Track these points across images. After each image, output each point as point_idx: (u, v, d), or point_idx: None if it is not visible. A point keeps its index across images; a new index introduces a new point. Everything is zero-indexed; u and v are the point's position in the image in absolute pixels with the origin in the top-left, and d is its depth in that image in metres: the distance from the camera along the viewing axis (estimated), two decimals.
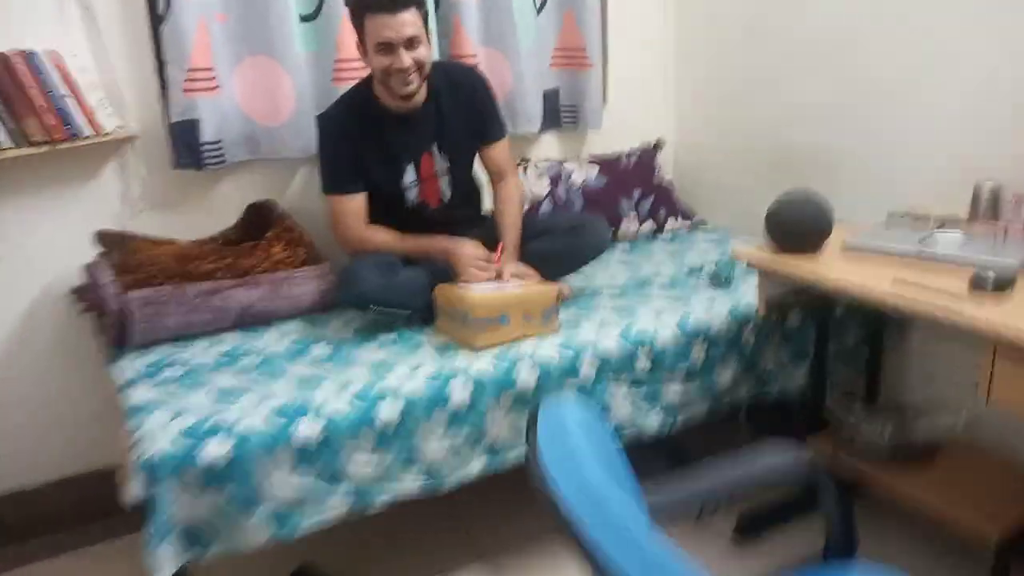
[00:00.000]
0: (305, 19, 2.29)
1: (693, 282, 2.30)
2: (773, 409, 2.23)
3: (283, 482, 1.55)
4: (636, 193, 2.80)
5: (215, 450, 1.50)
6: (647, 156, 2.91)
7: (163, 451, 1.48)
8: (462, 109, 2.15)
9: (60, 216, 2.13)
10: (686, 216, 2.88)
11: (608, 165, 2.81)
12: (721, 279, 2.27)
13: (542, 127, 2.72)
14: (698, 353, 2.00)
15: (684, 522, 2.05)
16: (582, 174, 2.76)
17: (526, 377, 1.79)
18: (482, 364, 1.79)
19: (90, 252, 2.07)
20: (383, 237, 2.10)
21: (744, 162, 2.79)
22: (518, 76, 2.57)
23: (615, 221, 2.74)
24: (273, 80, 2.26)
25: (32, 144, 1.94)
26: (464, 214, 2.28)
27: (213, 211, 2.28)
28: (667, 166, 2.96)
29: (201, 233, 2.24)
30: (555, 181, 2.71)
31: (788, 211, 1.85)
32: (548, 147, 2.84)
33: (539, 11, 2.61)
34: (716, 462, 1.15)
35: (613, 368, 1.89)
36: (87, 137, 2.01)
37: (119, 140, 2.13)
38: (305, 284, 2.12)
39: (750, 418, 2.36)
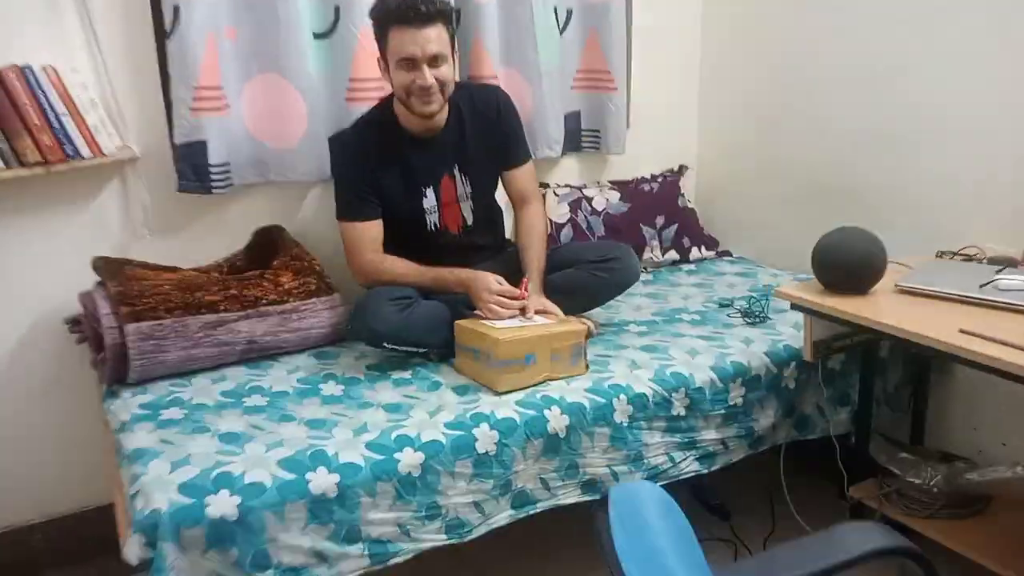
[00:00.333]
0: (319, 36, 2.17)
1: (724, 318, 2.18)
2: (815, 454, 2.09)
3: (294, 542, 1.41)
4: (659, 220, 2.68)
5: (220, 508, 1.36)
6: (670, 182, 2.79)
7: (162, 509, 1.34)
8: (485, 131, 2.04)
9: (56, 241, 2.00)
10: (710, 245, 2.76)
11: (630, 191, 2.70)
12: (755, 315, 2.14)
13: (563, 151, 2.60)
14: (736, 397, 1.87)
15: None
16: (603, 200, 2.64)
17: (555, 424, 1.66)
18: (507, 410, 1.66)
19: (88, 279, 1.94)
20: (400, 268, 1.98)
21: (772, 191, 2.67)
22: (539, 98, 2.46)
23: (637, 249, 2.61)
24: (284, 100, 2.14)
25: (26, 165, 1.82)
26: (486, 241, 2.16)
27: (218, 237, 2.16)
28: (689, 193, 2.84)
29: (205, 259, 2.11)
30: (575, 207, 2.60)
31: (839, 248, 1.72)
32: (567, 172, 2.72)
33: (562, 30, 2.50)
34: (794, 547, 1.02)
35: (647, 414, 1.76)
36: (86, 158, 1.88)
37: (120, 161, 2.01)
38: (314, 316, 1.99)
39: (791, 466, 2.22)
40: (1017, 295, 1.59)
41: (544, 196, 2.53)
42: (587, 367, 1.83)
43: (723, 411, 1.86)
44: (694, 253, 2.71)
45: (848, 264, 1.72)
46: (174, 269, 2.01)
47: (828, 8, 2.38)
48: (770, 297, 2.26)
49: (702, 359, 1.89)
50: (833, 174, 2.45)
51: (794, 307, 1.80)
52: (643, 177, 2.78)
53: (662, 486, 1.74)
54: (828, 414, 2.03)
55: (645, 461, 1.77)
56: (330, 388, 1.80)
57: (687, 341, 2.00)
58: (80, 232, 2.03)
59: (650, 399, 1.76)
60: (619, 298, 2.13)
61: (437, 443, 1.55)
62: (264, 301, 1.93)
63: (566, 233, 2.54)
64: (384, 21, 1.84)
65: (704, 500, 2.22)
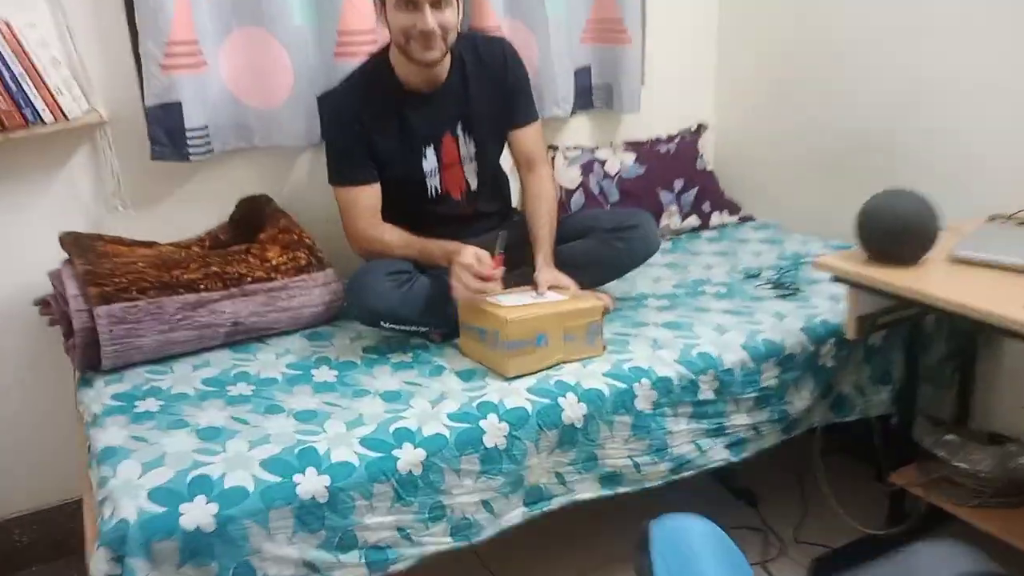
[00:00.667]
0: None
1: (752, 289, 2.00)
2: (849, 434, 1.92)
3: (281, 553, 1.25)
4: (678, 184, 2.49)
5: (195, 517, 1.20)
6: (688, 142, 2.59)
7: (131, 519, 1.18)
8: (491, 86, 1.85)
9: (22, 215, 1.83)
10: (732, 210, 2.57)
11: (646, 152, 2.50)
12: (786, 287, 1.96)
13: (572, 110, 2.40)
14: (769, 378, 1.70)
15: None
16: (616, 162, 2.45)
17: (571, 413, 1.49)
18: (517, 398, 1.49)
19: (58, 256, 1.77)
20: (388, 238, 1.81)
21: (797, 151, 2.47)
22: (545, 51, 2.25)
23: (655, 215, 2.41)
24: (267, 56, 1.95)
25: None
26: (491, 207, 1.98)
27: (199, 208, 1.98)
28: (708, 154, 2.64)
29: (185, 233, 1.94)
30: (587, 170, 2.40)
31: (888, 213, 1.54)
32: (577, 132, 2.52)
33: None
34: (874, 571, 0.86)
35: (672, 399, 1.60)
36: (48, 124, 1.70)
37: (88, 126, 1.82)
38: (305, 294, 1.82)
39: (823, 446, 2.07)
40: None
41: (552, 159, 2.33)
42: (604, 347, 1.66)
43: (755, 394, 1.69)
44: (715, 219, 2.52)
45: (898, 231, 1.54)
46: (150, 244, 1.84)
47: None
48: (801, 266, 2.08)
49: (731, 337, 1.72)
50: (865, 132, 2.24)
51: (835, 279, 1.62)
52: (659, 137, 2.57)
53: (688, 476, 1.63)
54: (868, 393, 1.86)
55: (670, 451, 1.61)
56: (323, 374, 1.63)
57: (713, 317, 1.83)
58: (48, 205, 1.85)
59: (675, 383, 1.59)
60: (636, 269, 1.95)
61: (440, 437, 1.39)
62: (249, 279, 1.76)
63: (577, 199, 2.36)
64: None
65: (728, 483, 2.07)
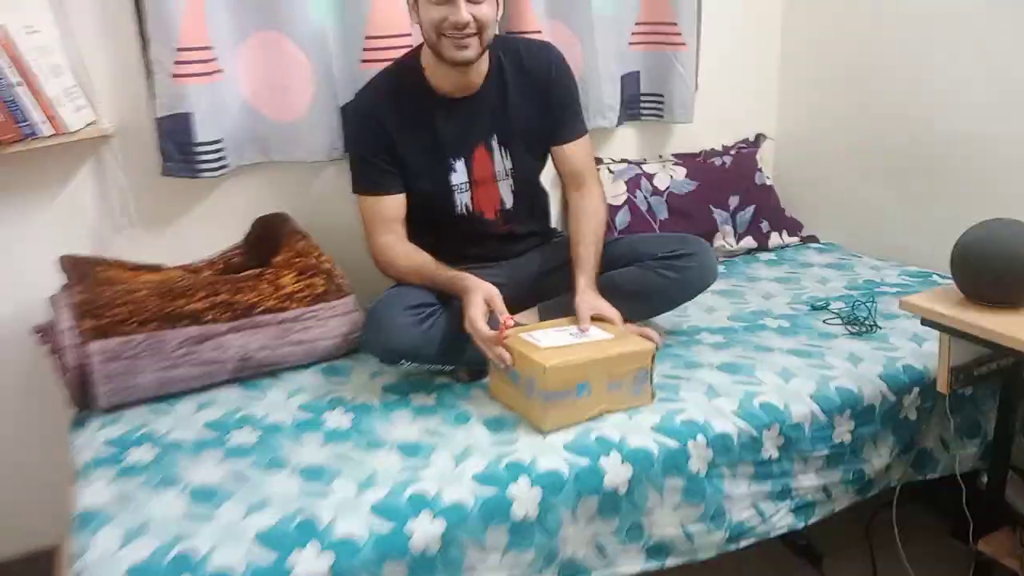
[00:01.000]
0: None
1: (820, 324, 1.78)
2: (930, 495, 1.69)
3: None
4: (733, 201, 2.27)
5: None
6: (745, 155, 2.37)
7: None
8: (533, 96, 1.66)
9: (23, 235, 1.70)
10: (793, 230, 2.34)
11: (697, 166, 2.29)
12: (861, 324, 1.73)
13: (619, 120, 2.20)
14: (843, 433, 1.49)
15: None
16: (666, 177, 2.24)
17: (614, 477, 1.30)
18: (552, 458, 1.30)
19: (59, 279, 1.64)
20: (405, 264, 1.63)
21: (866, 162, 2.24)
22: (591, 56, 2.06)
23: (707, 235, 2.22)
24: (286, 63, 1.79)
25: None
26: (528, 227, 1.79)
27: (212, 227, 1.83)
28: (767, 168, 2.42)
29: (197, 255, 1.79)
30: (633, 186, 2.20)
31: (992, 248, 1.31)
32: (624, 144, 2.32)
33: None
34: None
35: (731, 458, 1.39)
36: (46, 137, 1.57)
37: (92, 140, 1.68)
38: (321, 325, 1.66)
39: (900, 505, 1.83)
40: None
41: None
42: (653, 396, 1.46)
43: (826, 451, 1.48)
44: (774, 239, 2.30)
45: (1004, 270, 1.30)
46: (157, 268, 1.70)
47: None
48: (876, 298, 1.85)
49: (799, 384, 1.51)
50: (951, 143, 2.00)
51: (925, 323, 1.40)
52: (713, 149, 2.37)
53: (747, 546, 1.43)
54: (953, 448, 1.63)
55: (727, 518, 1.40)
56: (336, 419, 1.46)
57: (777, 358, 1.62)
58: (50, 224, 1.72)
59: (735, 440, 1.39)
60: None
61: (462, 508, 1.20)
62: (261, 308, 1.60)
63: (622, 217, 2.16)
64: None
65: (788, 539, 1.85)
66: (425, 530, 1.17)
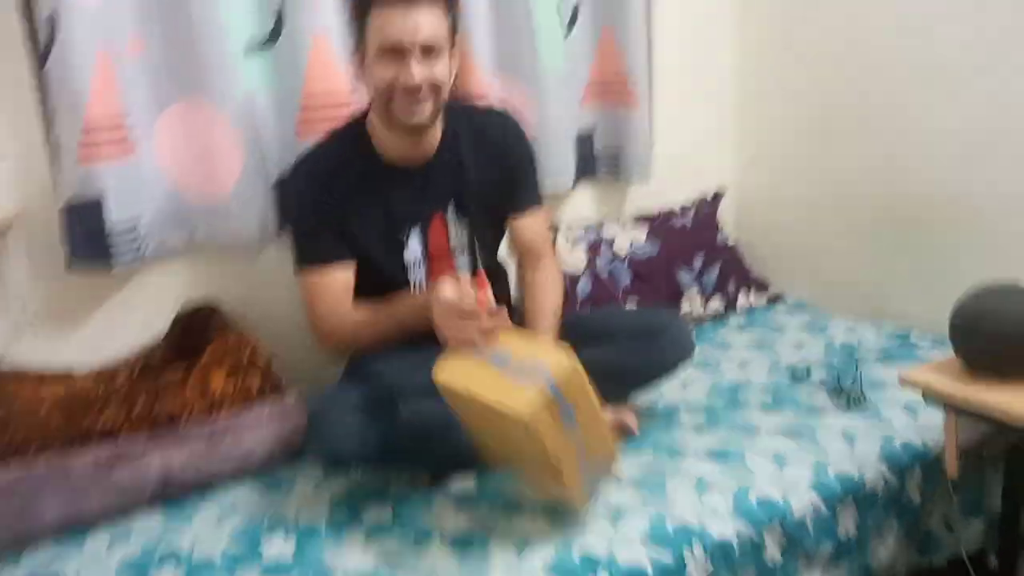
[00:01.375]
0: (256, 47, 1.65)
1: (804, 396, 1.65)
2: None
3: None
4: (697, 261, 2.16)
5: None
6: (706, 211, 2.28)
7: None
8: (490, 164, 1.53)
9: None
10: (760, 288, 2.24)
11: (659, 225, 2.18)
12: (848, 395, 1.62)
13: (574, 181, 2.08)
14: (847, 524, 1.35)
15: None
16: (626, 241, 2.12)
17: None
18: None
19: None
20: (358, 318, 1.48)
21: (832, 216, 2.16)
22: (543, 115, 1.94)
23: (674, 298, 2.11)
24: (212, 133, 1.62)
25: None
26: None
27: (128, 324, 1.62)
28: (727, 225, 2.33)
29: (112, 355, 1.58)
30: (593, 251, 2.07)
31: (997, 316, 1.21)
32: (580, 206, 2.20)
33: (569, 27, 1.98)
34: None
35: (731, 565, 1.23)
36: None
37: None
38: (256, 432, 1.46)
39: None
40: None
41: (553, 241, 2.00)
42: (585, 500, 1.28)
43: (831, 547, 1.33)
44: (741, 300, 2.19)
45: (1004, 337, 1.20)
46: (65, 377, 1.48)
47: None
48: (858, 363, 1.74)
49: (795, 471, 1.37)
50: (917, 198, 1.95)
51: (928, 399, 1.28)
52: (672, 210, 2.26)
53: None
54: (957, 527, 1.51)
55: None
56: (276, 547, 1.26)
57: (766, 440, 1.48)
58: None
59: (735, 546, 1.23)
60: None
61: None
62: (185, 419, 1.40)
63: (584, 286, 2.02)
64: (365, 4, 1.37)
65: None
66: None
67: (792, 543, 1.29)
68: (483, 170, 1.52)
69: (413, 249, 1.51)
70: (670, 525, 1.24)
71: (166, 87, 1.59)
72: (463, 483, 1.40)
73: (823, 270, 2.21)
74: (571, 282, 1.99)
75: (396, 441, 1.35)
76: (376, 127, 1.47)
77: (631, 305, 2.03)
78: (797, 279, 2.25)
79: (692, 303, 2.12)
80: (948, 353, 1.73)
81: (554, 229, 2.05)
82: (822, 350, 1.88)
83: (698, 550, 1.20)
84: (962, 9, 1.78)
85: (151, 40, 1.57)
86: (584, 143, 2.10)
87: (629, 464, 1.40)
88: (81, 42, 1.44)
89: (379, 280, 1.51)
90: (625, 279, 2.07)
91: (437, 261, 1.54)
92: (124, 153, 1.53)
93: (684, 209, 2.26)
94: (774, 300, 2.22)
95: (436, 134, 1.49)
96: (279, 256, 1.68)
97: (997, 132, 1.76)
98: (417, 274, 1.53)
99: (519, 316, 1.62)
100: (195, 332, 1.59)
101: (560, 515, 1.26)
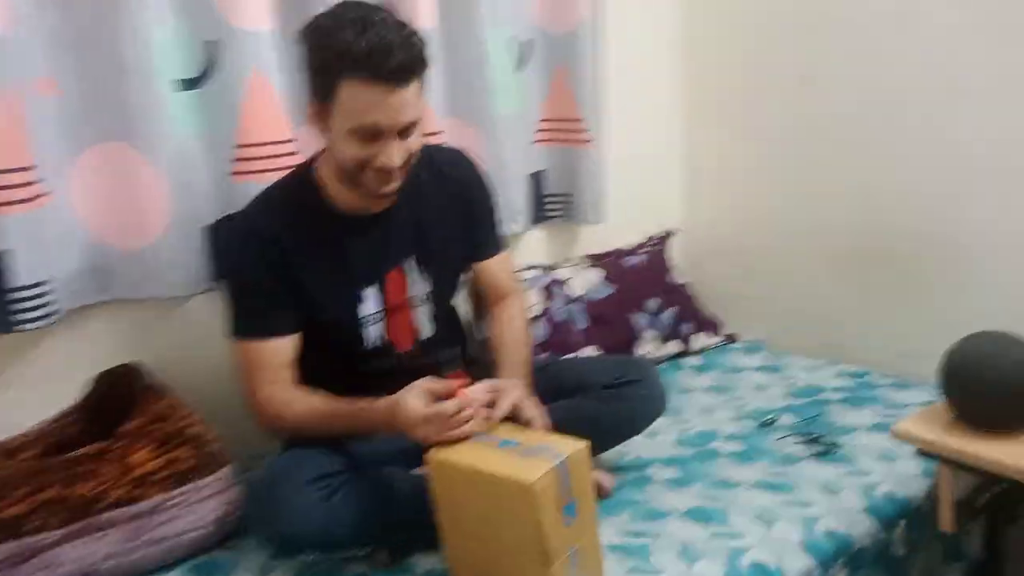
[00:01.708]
0: (185, 86, 1.50)
1: (774, 444, 1.60)
2: None
3: None
4: (652, 304, 2.10)
5: None
6: (657, 252, 2.23)
7: None
8: (451, 208, 1.42)
9: None
10: (713, 328, 2.19)
11: (612, 268, 2.11)
12: (819, 441, 1.56)
13: (528, 224, 2.00)
14: None
15: None
16: (581, 282, 2.05)
17: None
18: None
19: None
20: (302, 409, 1.31)
21: (786, 255, 2.16)
22: (496, 156, 1.85)
23: (630, 341, 2.04)
24: (135, 179, 1.46)
25: None
26: (447, 357, 1.51)
27: (37, 392, 1.42)
28: (678, 265, 2.28)
29: (18, 426, 1.37)
30: (548, 294, 1.99)
31: (986, 367, 1.17)
32: (531, 249, 2.11)
33: (519, 66, 1.91)
34: None
35: None
36: None
37: None
38: (189, 513, 1.29)
39: None
40: None
41: None
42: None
43: None
44: (696, 341, 2.14)
45: (998, 388, 1.16)
46: None
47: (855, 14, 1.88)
48: (824, 407, 1.70)
49: (784, 531, 1.30)
50: (869, 233, 1.95)
51: (922, 453, 1.23)
52: (623, 249, 2.20)
53: None
54: (937, 575, 1.46)
55: None
56: None
57: (746, 495, 1.41)
58: None
59: None
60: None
61: None
62: (105, 502, 1.22)
63: (540, 330, 1.93)
64: (337, 66, 1.17)
65: None
66: None
67: None
68: (446, 214, 1.42)
69: (368, 304, 1.38)
70: None
71: (83, 129, 1.43)
72: (429, 561, 1.26)
73: (774, 309, 2.19)
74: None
75: (354, 517, 1.21)
76: (328, 179, 1.32)
77: (589, 349, 1.95)
78: (748, 318, 2.22)
79: (649, 345, 2.06)
80: (913, 395, 1.74)
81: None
82: (784, 393, 1.84)
83: None
84: (918, 40, 1.78)
85: (66, 77, 1.40)
86: (536, 183, 2.03)
87: (606, 528, 1.30)
88: None
89: (331, 337, 1.38)
90: (581, 322, 1.99)
91: (395, 315, 1.41)
92: (32, 203, 1.35)
93: (636, 248, 2.21)
94: (728, 340, 2.18)
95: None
96: (211, 309, 1.53)
97: (961, 171, 1.77)
98: (374, 330, 1.40)
99: (483, 365, 1.51)
100: (115, 400, 1.41)
101: None
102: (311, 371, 1.39)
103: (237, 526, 1.33)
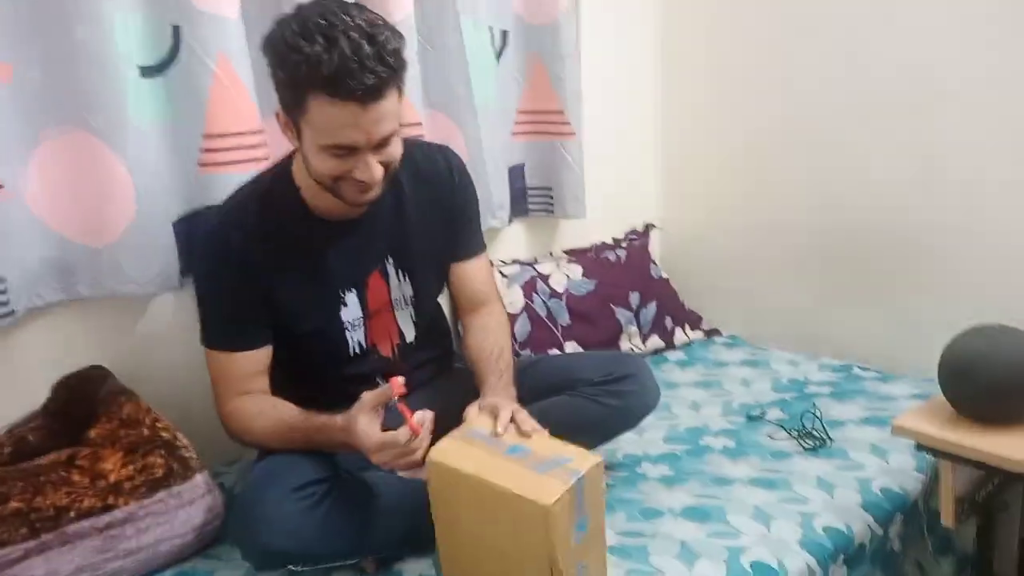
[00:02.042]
0: (149, 72, 1.42)
1: (765, 439, 1.58)
2: None
3: None
4: (634, 299, 2.07)
5: None
6: (637, 247, 2.20)
7: None
8: (432, 208, 1.35)
9: None
10: (695, 324, 2.17)
11: (592, 263, 2.08)
12: (813, 437, 1.55)
13: (509, 219, 1.95)
14: None
15: None
16: (562, 277, 2.01)
17: None
18: None
19: None
20: (261, 427, 1.24)
21: (762, 251, 2.14)
22: (475, 150, 1.80)
23: (614, 336, 2.01)
24: (98, 170, 1.37)
25: None
26: (427, 356, 1.45)
27: None
28: (658, 259, 2.26)
29: None
30: (529, 290, 1.95)
31: (986, 360, 1.15)
32: (512, 244, 2.07)
33: (498, 56, 1.86)
34: None
35: None
36: None
37: None
38: (164, 522, 1.22)
39: None
40: None
41: None
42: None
43: None
44: (679, 336, 2.12)
45: (999, 381, 1.15)
46: None
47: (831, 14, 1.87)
48: (813, 401, 1.68)
49: (783, 529, 1.27)
50: (847, 227, 1.95)
51: (921, 448, 1.21)
52: (604, 243, 2.17)
53: None
54: (928, 568, 1.46)
55: None
56: None
57: (742, 492, 1.38)
58: None
59: None
60: None
61: None
62: (73, 513, 1.14)
63: (522, 327, 1.89)
64: (306, 82, 1.08)
65: None
66: None
67: None
68: (426, 213, 1.35)
69: (351, 308, 1.31)
70: None
71: (40, 119, 1.34)
72: (418, 567, 1.21)
73: (753, 303, 2.17)
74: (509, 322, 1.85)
75: (342, 528, 1.15)
76: (305, 181, 1.24)
77: (571, 345, 1.92)
78: (728, 313, 2.20)
79: (632, 341, 2.03)
80: (899, 388, 1.73)
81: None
82: (770, 386, 1.83)
83: None
84: (895, 39, 1.78)
85: (22, 65, 1.31)
86: (515, 177, 1.98)
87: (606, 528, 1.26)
88: None
89: (313, 345, 1.31)
90: (564, 318, 1.95)
91: (377, 318, 1.35)
92: None
93: (616, 243, 2.18)
94: (710, 335, 2.16)
95: None
96: (179, 308, 1.45)
97: (933, 166, 1.77)
98: (355, 334, 1.34)
99: (463, 366, 1.46)
100: (79, 404, 1.33)
101: None
102: (291, 377, 1.33)
103: (217, 534, 1.27)
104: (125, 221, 1.40)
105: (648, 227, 2.27)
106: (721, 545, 1.23)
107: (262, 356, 1.28)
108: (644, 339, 2.05)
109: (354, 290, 1.30)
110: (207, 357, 1.27)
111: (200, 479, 1.27)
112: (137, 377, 1.39)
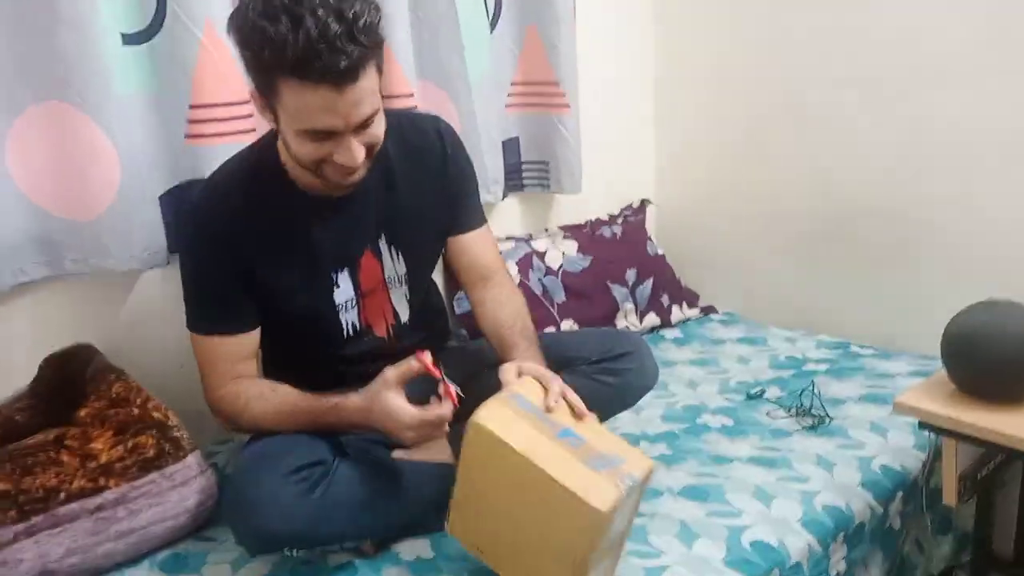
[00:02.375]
0: (132, 40, 1.37)
1: (764, 417, 1.56)
2: None
3: None
4: (630, 276, 2.05)
5: None
6: (633, 223, 2.17)
7: None
8: (424, 181, 1.31)
9: None
10: (692, 302, 2.15)
11: (588, 239, 2.05)
12: (813, 416, 1.53)
13: (503, 194, 1.92)
14: (838, 561, 1.26)
15: None
16: (557, 254, 1.98)
17: None
18: None
19: None
20: (263, 406, 1.21)
21: (759, 227, 2.12)
22: (468, 122, 1.76)
23: (610, 313, 1.99)
24: (80, 143, 1.33)
25: None
26: (424, 338, 1.42)
27: None
28: (654, 236, 2.23)
29: None
30: (525, 267, 1.92)
31: (989, 335, 1.14)
32: (506, 219, 2.03)
33: (492, 25, 1.82)
34: None
35: None
36: None
37: None
38: (156, 503, 1.19)
39: None
40: None
41: None
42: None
43: None
44: (675, 314, 2.10)
45: (1001, 357, 1.14)
46: None
47: None
48: (811, 378, 1.67)
49: (783, 508, 1.26)
50: (844, 205, 1.92)
51: (924, 426, 1.20)
52: (599, 219, 2.14)
53: None
54: (927, 548, 1.46)
55: None
56: None
57: (741, 471, 1.37)
58: None
59: None
60: None
61: None
62: (63, 495, 1.12)
63: None
64: (274, 66, 1.02)
65: None
66: None
67: None
68: (418, 186, 1.31)
69: (344, 289, 1.28)
70: None
71: (19, 90, 1.29)
72: (416, 548, 1.20)
73: (749, 280, 2.15)
74: None
75: (341, 510, 1.13)
76: (289, 161, 1.19)
77: (567, 323, 1.89)
78: (723, 290, 2.18)
79: (628, 318, 2.01)
80: (898, 365, 1.72)
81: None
82: (767, 364, 1.81)
83: None
84: (892, 18, 1.75)
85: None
86: (510, 151, 1.94)
87: None
88: None
89: (306, 327, 1.28)
90: (559, 295, 1.93)
91: (370, 297, 1.31)
92: None
93: (611, 219, 2.15)
94: (706, 312, 2.15)
95: None
96: (167, 284, 1.41)
97: (929, 140, 1.75)
98: (349, 316, 1.30)
99: (469, 350, 1.43)
100: (67, 383, 1.30)
101: None
102: (283, 359, 1.31)
103: (210, 515, 1.24)
104: (110, 195, 1.36)
105: (644, 203, 2.24)
106: (721, 524, 1.22)
107: (250, 340, 1.24)
108: (640, 316, 2.03)
109: (346, 270, 1.26)
110: (192, 342, 1.23)
111: (192, 459, 1.25)
112: (125, 355, 1.36)
